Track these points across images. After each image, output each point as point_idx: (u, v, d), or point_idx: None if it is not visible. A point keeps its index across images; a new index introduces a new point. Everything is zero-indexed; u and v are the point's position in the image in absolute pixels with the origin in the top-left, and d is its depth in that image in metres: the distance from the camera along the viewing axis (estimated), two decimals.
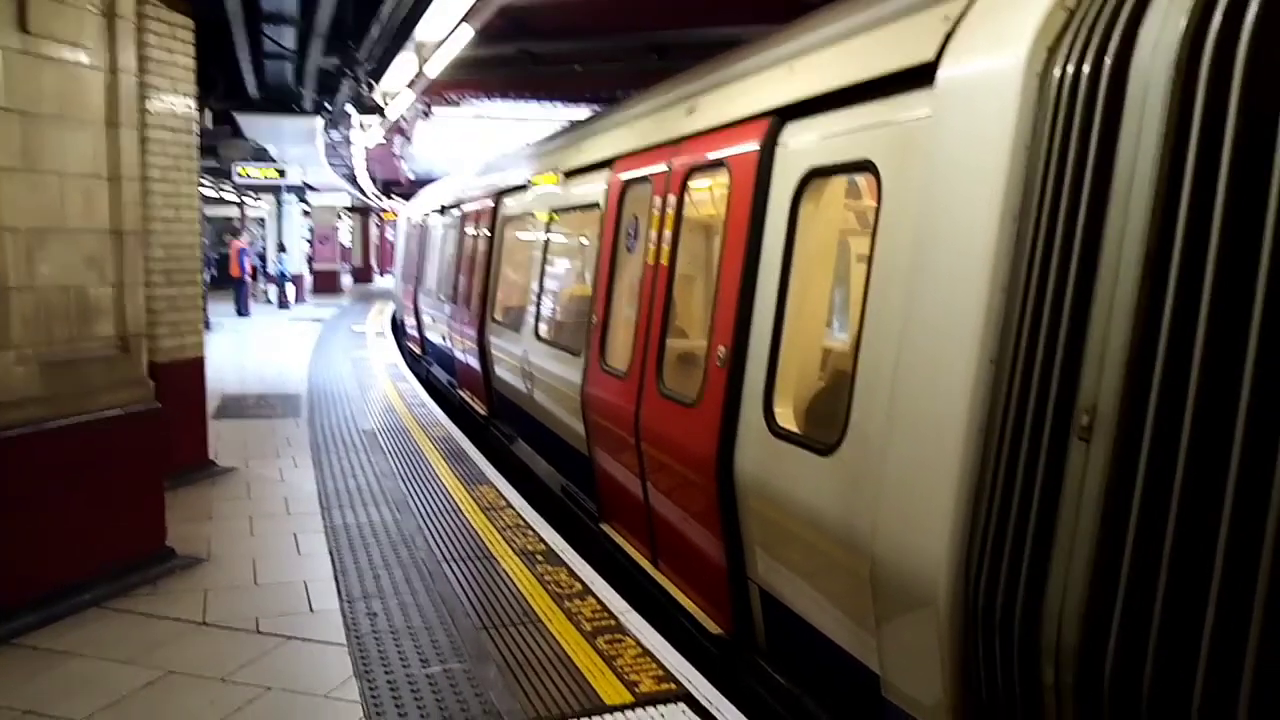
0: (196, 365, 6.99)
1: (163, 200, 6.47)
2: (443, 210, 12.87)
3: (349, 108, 13.99)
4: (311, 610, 4.44)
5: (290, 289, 25.41)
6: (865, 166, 3.32)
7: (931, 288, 2.78)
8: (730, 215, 4.16)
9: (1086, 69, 2.36)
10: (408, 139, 23.58)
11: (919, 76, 3.01)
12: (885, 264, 3.08)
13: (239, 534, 5.61)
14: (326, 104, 13.95)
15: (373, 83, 12.18)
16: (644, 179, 5.33)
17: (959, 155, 2.77)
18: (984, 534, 2.50)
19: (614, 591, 4.69)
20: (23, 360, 4.33)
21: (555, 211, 7.36)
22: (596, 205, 6.16)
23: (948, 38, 2.92)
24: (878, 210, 3.18)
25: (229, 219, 37.73)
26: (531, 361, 7.15)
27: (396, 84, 13.02)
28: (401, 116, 18.25)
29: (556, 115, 18.27)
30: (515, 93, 17.41)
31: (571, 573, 4.93)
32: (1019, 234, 2.51)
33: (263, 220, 33.79)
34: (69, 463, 4.49)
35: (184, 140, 6.66)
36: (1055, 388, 2.33)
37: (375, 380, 11.98)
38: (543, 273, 7.49)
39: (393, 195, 39.00)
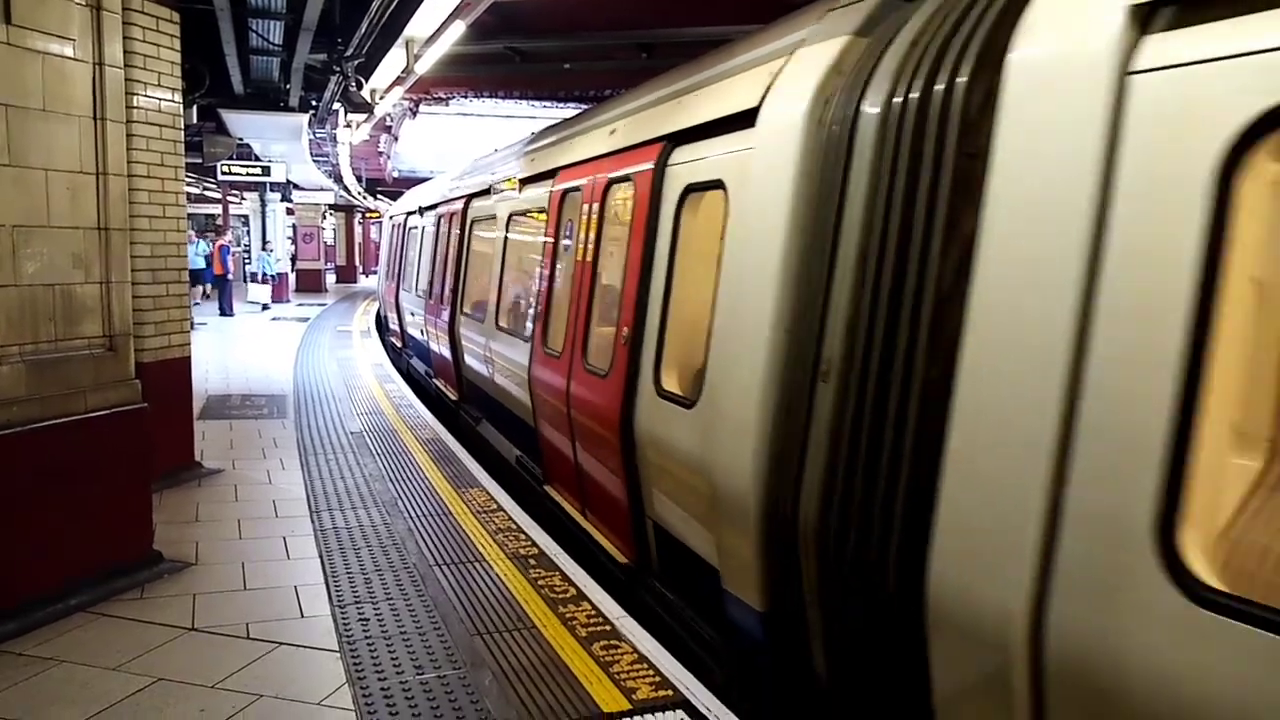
0: (182, 364, 6.89)
1: (148, 197, 6.37)
2: (420, 212, 13.76)
3: (336, 105, 13.87)
4: (302, 615, 4.37)
5: (264, 290, 24.92)
6: (719, 185, 4.20)
7: (748, 278, 3.69)
8: (633, 221, 5.05)
9: (838, 121, 3.34)
10: (394, 137, 23.46)
11: (751, 118, 3.90)
12: (728, 262, 3.91)
13: (227, 537, 5.52)
14: (313, 101, 13.82)
15: (361, 79, 12.08)
16: (576, 189, 6.24)
17: (767, 178, 3.66)
18: (774, 455, 3.44)
19: (609, 596, 4.65)
20: (7, 359, 4.24)
21: (513, 215, 8.19)
22: (543, 210, 7.01)
23: (767, 90, 3.84)
24: (725, 221, 4.02)
25: (211, 216, 37.43)
26: (492, 348, 8.05)
27: (385, 80, 12.92)
28: (388, 114, 18.15)
29: (544, 115, 18.21)
30: (503, 91, 17.34)
31: (565, 577, 4.88)
32: (800, 239, 3.44)
33: (246, 218, 33.52)
34: (54, 464, 4.40)
35: (170, 136, 6.56)
36: (813, 347, 3.29)
37: (361, 380, 11.88)
38: (502, 269, 8.31)
39: (378, 194, 38.79)
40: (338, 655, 3.93)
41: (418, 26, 10.13)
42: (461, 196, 10.43)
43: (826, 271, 3.25)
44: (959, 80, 2.81)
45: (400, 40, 10.77)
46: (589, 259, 5.72)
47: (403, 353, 14.75)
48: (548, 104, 18.08)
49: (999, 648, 2.38)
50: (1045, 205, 2.42)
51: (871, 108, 3.16)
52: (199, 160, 16.66)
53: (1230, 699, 1.84)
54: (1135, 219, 2.18)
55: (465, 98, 17.65)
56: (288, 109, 13.65)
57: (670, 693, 3.62)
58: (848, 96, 3.31)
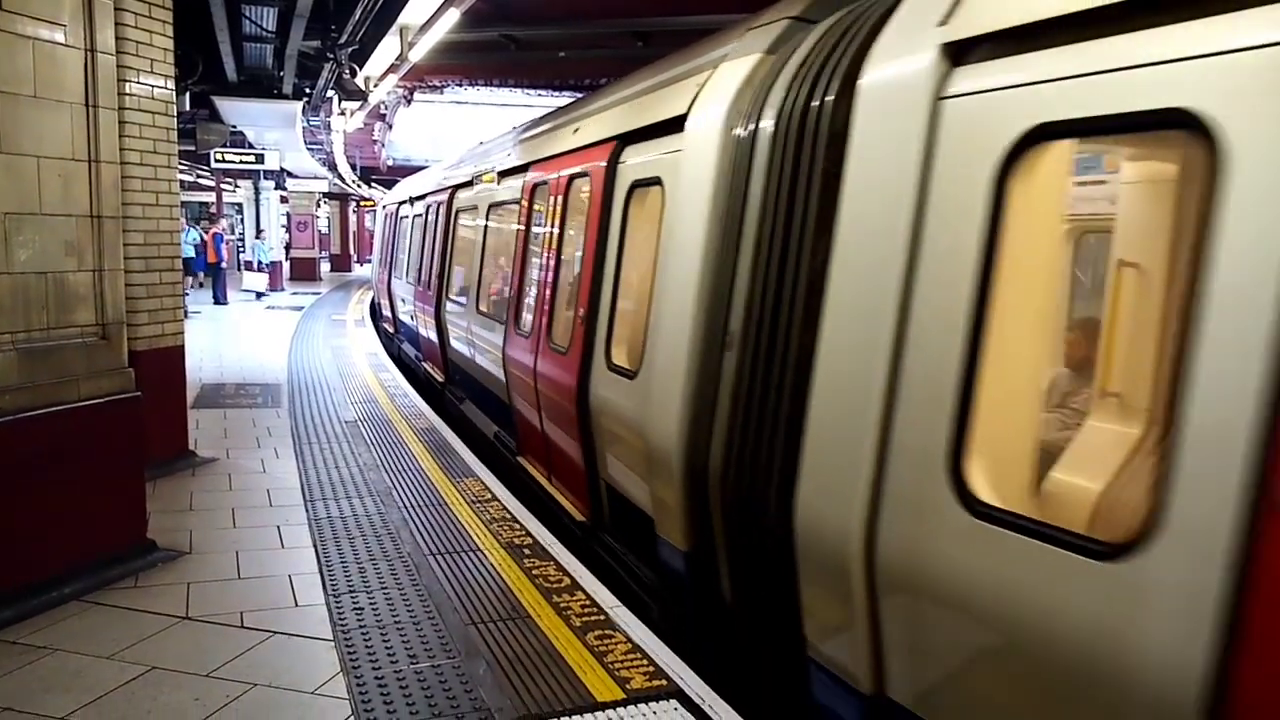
0: (176, 353, 6.86)
1: (141, 184, 6.33)
2: (410, 202, 14.37)
3: (330, 92, 13.81)
4: (296, 604, 4.37)
5: (260, 278, 24.77)
6: (658, 181, 4.76)
7: (678, 264, 4.24)
8: (589, 212, 5.60)
9: (745, 129, 3.92)
10: (388, 125, 23.36)
11: (682, 123, 4.48)
12: (664, 249, 4.46)
13: (221, 526, 5.52)
14: (307, 88, 13.75)
15: (355, 67, 12.02)
16: (544, 182, 6.79)
17: (692, 177, 4.23)
18: (693, 416, 4.02)
19: (603, 586, 4.66)
20: (0, 348, 4.22)
21: (492, 206, 8.74)
22: (517, 201, 7.54)
23: (694, 99, 4.44)
24: (662, 213, 4.59)
25: (205, 204, 37.24)
26: (474, 331, 8.63)
27: (379, 68, 12.86)
28: (382, 102, 18.06)
29: (539, 103, 18.13)
30: (498, 79, 17.26)
31: (560, 567, 4.89)
32: (717, 230, 3.99)
33: (240, 206, 33.37)
34: (48, 453, 4.39)
35: (162, 124, 6.52)
36: (722, 323, 3.88)
37: (356, 369, 11.86)
38: (482, 257, 8.83)
39: (372, 183, 38.63)
40: (332, 644, 3.94)
41: (412, 13, 10.09)
42: (447, 188, 11.02)
43: (733, 259, 3.91)
44: (827, 99, 3.41)
45: (394, 27, 10.71)
46: (554, 246, 6.36)
47: (395, 338, 15.21)
48: (543, 92, 17.99)
49: (843, 559, 2.96)
50: (881, 204, 2.97)
51: (766, 120, 3.79)
52: (192, 148, 16.59)
53: (995, 585, 2.41)
54: (943, 217, 2.72)
55: (460, 86, 17.56)
56: (281, 96, 13.60)
57: (664, 682, 3.64)
58: (751, 108, 3.92)
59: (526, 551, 5.11)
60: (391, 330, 15.63)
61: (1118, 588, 2.07)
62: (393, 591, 4.50)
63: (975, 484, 2.54)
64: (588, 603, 4.41)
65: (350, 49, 11.31)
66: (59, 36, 4.46)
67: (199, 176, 32.49)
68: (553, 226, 6.39)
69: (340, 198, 41.13)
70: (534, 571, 4.80)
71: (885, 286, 2.88)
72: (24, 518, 4.30)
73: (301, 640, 4.00)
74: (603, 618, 4.24)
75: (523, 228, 7.25)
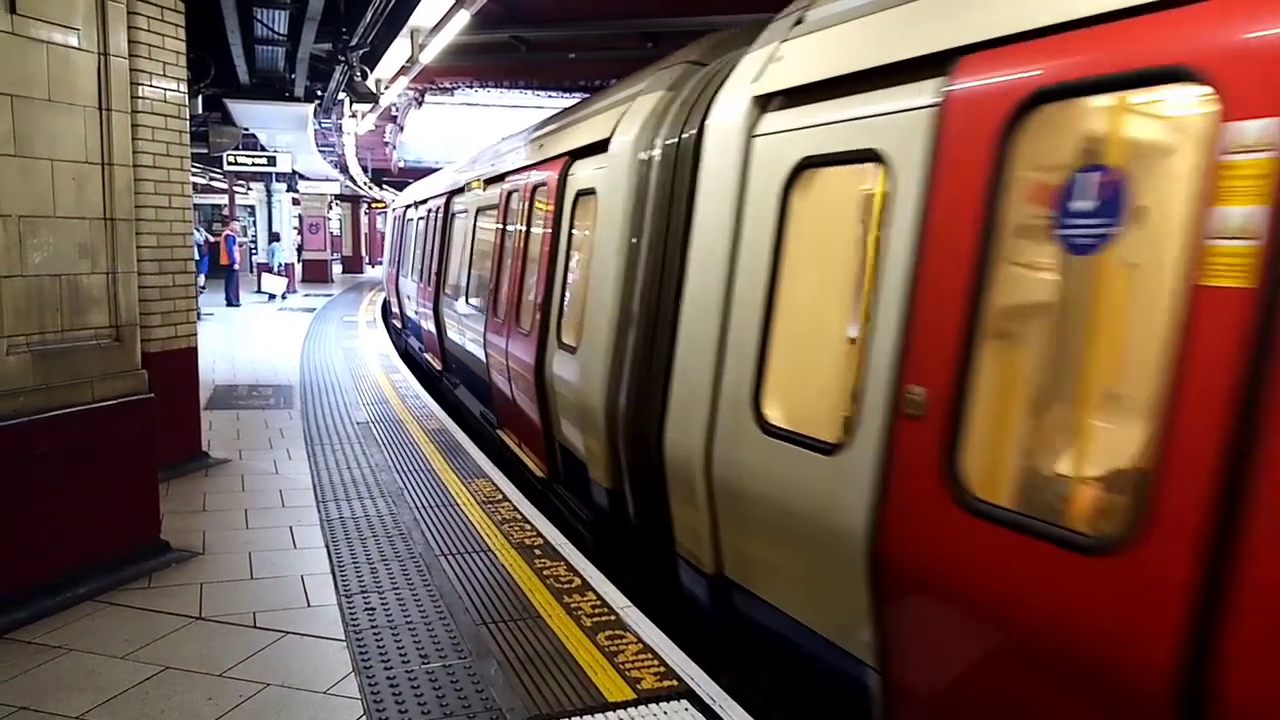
0: (189, 355, 6.90)
1: (154, 187, 6.37)
2: (415, 206, 15.85)
3: (341, 95, 13.85)
4: (309, 605, 4.39)
5: (279, 281, 24.87)
6: (593, 192, 5.75)
7: (602, 260, 5.24)
8: (547, 216, 6.69)
9: (646, 152, 4.98)
10: (400, 127, 23.42)
11: (607, 145, 5.46)
12: (595, 248, 5.40)
13: (234, 527, 5.54)
14: (319, 90, 13.80)
15: (366, 69, 12.06)
16: (516, 189, 7.88)
17: (613, 190, 5.23)
18: (612, 380, 5.00)
19: (613, 586, 4.66)
20: (15, 350, 4.25)
21: (479, 210, 9.83)
22: (496, 205, 8.63)
23: (615, 126, 5.44)
24: (594, 217, 5.54)
25: (218, 207, 37.40)
26: (463, 320, 9.77)
27: (390, 70, 12.89)
28: (393, 104, 18.11)
29: (550, 105, 18.14)
30: (508, 80, 17.28)
31: (570, 567, 4.89)
32: (628, 233, 5.01)
33: (252, 209, 33.52)
34: (62, 454, 4.42)
35: (175, 127, 6.55)
36: (629, 306, 4.91)
37: (368, 371, 11.90)
38: (470, 254, 9.94)
39: (383, 185, 38.73)
40: (344, 644, 3.95)
41: (422, 15, 10.10)
42: (443, 194, 12.36)
43: (637, 256, 4.92)
44: (691, 133, 4.51)
45: (405, 30, 10.73)
46: (521, 244, 7.50)
47: (403, 333, 16.23)
48: (553, 94, 18.00)
49: (691, 474, 4.05)
50: (716, 212, 4.05)
51: (656, 147, 4.89)
52: (205, 150, 16.68)
53: (782, 486, 3.45)
54: (752, 224, 3.81)
55: (470, 88, 17.60)
56: (293, 99, 13.65)
57: (675, 683, 3.63)
58: (651, 136, 4.98)
59: (537, 552, 5.11)
60: (400, 325, 16.68)
61: (834, 473, 3.16)
62: (404, 592, 4.51)
63: (766, 413, 3.62)
64: (598, 603, 4.41)
65: (361, 51, 11.35)
66: (72, 40, 4.49)
67: (211, 179, 32.67)
68: (522, 227, 7.49)
69: (352, 200, 41.26)
70: (545, 572, 4.81)
71: (717, 273, 3.96)
72: (39, 519, 4.33)
73: (314, 640, 4.01)
74: (614, 618, 4.23)
75: (500, 228, 8.35)
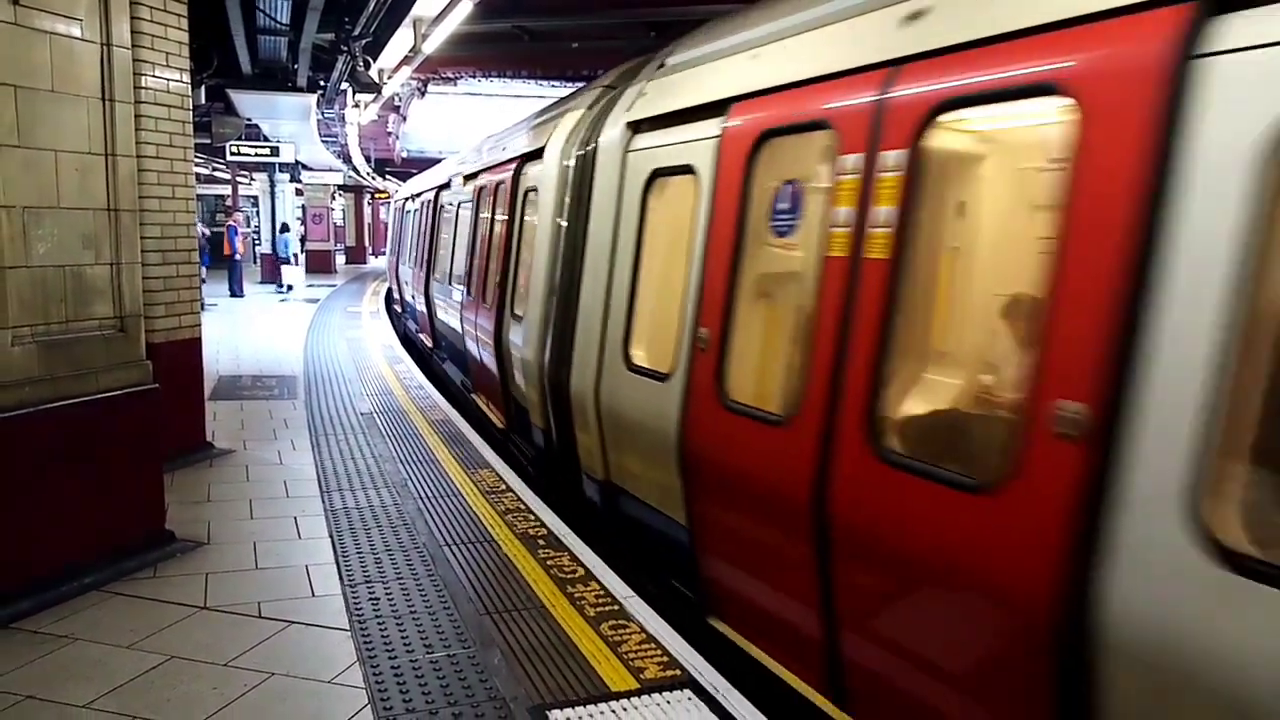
0: (193, 345, 6.91)
1: (157, 178, 6.37)
2: (412, 198, 17.22)
3: (344, 84, 13.83)
4: (313, 595, 4.41)
5: (298, 273, 24.83)
6: (535, 189, 6.87)
7: (540, 244, 6.33)
8: (507, 208, 7.95)
9: (567, 160, 6.08)
10: (403, 117, 23.38)
11: (543, 152, 6.63)
12: (537, 235, 6.49)
13: (239, 517, 5.56)
14: (321, 80, 13.78)
15: (369, 59, 12.04)
16: (485, 185, 9.29)
17: (547, 188, 6.38)
18: (543, 340, 6.10)
19: (616, 576, 4.67)
20: (20, 340, 4.26)
21: (461, 202, 10.97)
22: (470, 200, 10.01)
23: (549, 138, 6.58)
24: (538, 210, 6.60)
25: (221, 197, 37.38)
26: (447, 300, 11.03)
27: (393, 60, 12.86)
28: (396, 94, 18.07)
29: (553, 95, 18.09)
30: (511, 70, 17.26)
31: (574, 557, 4.90)
32: (557, 223, 6.10)
33: (256, 199, 33.50)
34: (67, 444, 4.43)
35: (178, 117, 6.55)
36: (556, 281, 6.03)
37: (371, 361, 11.92)
38: (454, 242, 11.16)
39: (387, 175, 38.70)
40: (348, 634, 3.97)
41: (425, 5, 10.08)
42: (433, 189, 13.84)
43: (560, 241, 6.01)
44: (590, 148, 5.72)
45: (408, 19, 10.71)
46: (487, 231, 8.85)
47: (402, 317, 17.44)
48: (556, 84, 17.96)
49: (587, 406, 5.27)
50: (603, 212, 5.34)
51: (570, 157, 6.03)
52: (208, 141, 16.68)
53: (639, 408, 4.69)
54: (625, 218, 5.11)
55: (474, 77, 17.57)
56: (296, 89, 13.64)
57: (678, 672, 3.64)
58: (571, 148, 6.09)
59: (540, 542, 5.13)
60: (400, 310, 18.12)
61: (665, 394, 4.39)
62: (408, 582, 4.53)
63: (633, 355, 4.87)
64: (601, 593, 4.42)
65: (364, 41, 11.33)
66: (75, 31, 4.48)
67: (215, 169, 32.65)
68: (488, 217, 8.88)
69: (355, 190, 41.25)
70: (548, 562, 4.82)
71: (604, 255, 5.27)
72: (44, 509, 4.35)
73: (318, 630, 4.03)
74: (617, 608, 4.25)
75: (473, 219, 9.74)
